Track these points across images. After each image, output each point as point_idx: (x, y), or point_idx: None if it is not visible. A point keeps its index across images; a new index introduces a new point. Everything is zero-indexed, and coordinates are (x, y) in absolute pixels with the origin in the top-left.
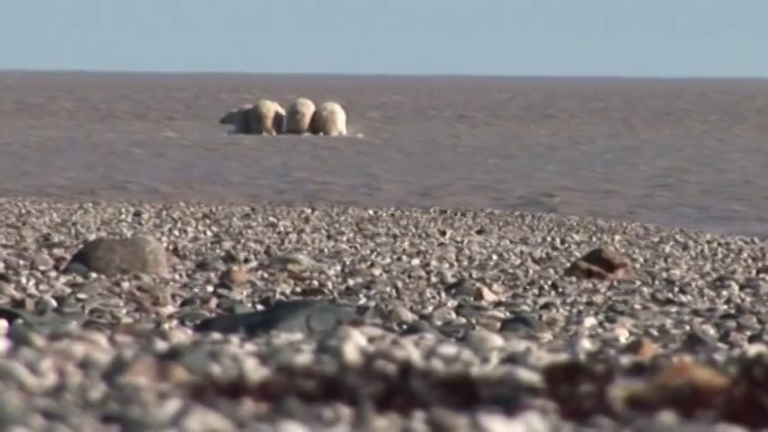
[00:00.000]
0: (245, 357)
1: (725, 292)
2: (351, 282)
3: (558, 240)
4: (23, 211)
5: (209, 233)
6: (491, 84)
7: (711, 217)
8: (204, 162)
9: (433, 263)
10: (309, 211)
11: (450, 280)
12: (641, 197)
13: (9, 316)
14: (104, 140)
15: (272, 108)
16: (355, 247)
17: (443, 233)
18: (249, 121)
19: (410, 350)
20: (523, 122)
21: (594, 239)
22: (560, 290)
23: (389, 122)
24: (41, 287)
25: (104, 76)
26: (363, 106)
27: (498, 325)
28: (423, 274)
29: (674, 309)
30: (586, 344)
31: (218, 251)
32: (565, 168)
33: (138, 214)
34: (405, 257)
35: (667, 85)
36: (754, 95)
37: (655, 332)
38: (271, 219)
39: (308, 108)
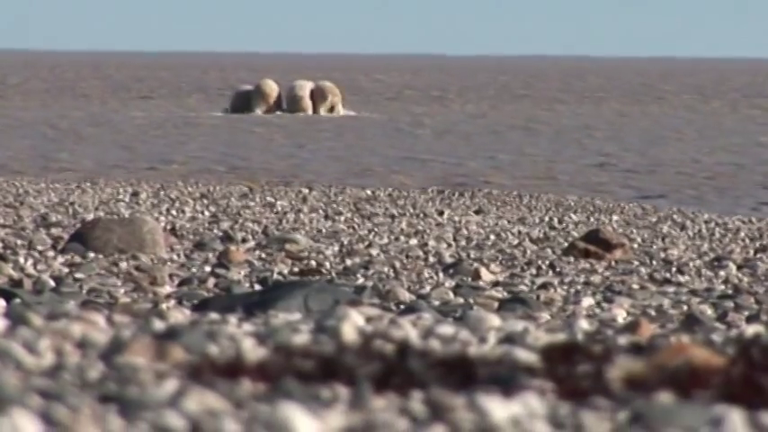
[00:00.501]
0: (242, 337)
1: (722, 272)
2: (348, 262)
3: (555, 220)
4: (21, 190)
5: (206, 213)
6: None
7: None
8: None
9: (431, 243)
10: (307, 191)
11: (448, 260)
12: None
13: (7, 296)
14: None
15: (274, 88)
16: (353, 228)
17: (441, 213)
18: (249, 101)
19: (408, 330)
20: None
21: (592, 219)
22: (558, 270)
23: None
24: (39, 267)
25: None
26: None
27: (496, 305)
28: (420, 254)
29: (671, 289)
30: (584, 324)
31: (215, 231)
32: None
33: (135, 194)
34: (402, 237)
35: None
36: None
37: (652, 312)
38: (269, 199)
39: (305, 89)
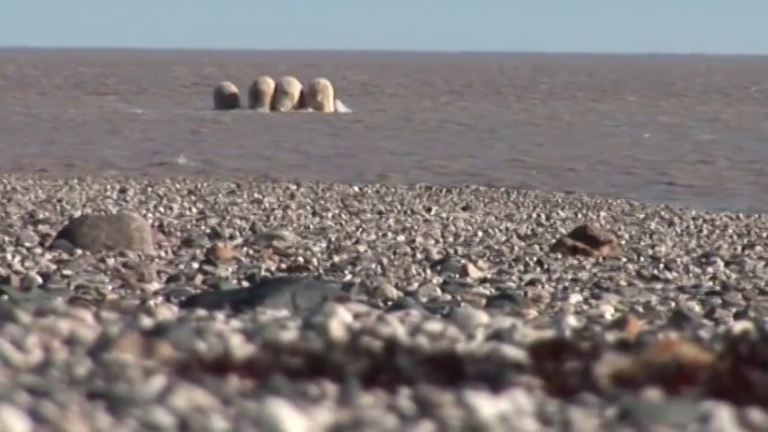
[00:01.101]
0: (230, 334)
1: (710, 269)
2: (336, 258)
3: (543, 217)
4: (8, 187)
5: (194, 210)
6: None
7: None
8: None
9: (419, 239)
10: (294, 187)
11: (436, 257)
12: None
13: None
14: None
15: (271, 85)
16: (341, 224)
17: (429, 210)
18: (237, 98)
19: (396, 327)
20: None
21: (580, 216)
22: (546, 266)
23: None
24: (27, 264)
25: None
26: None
27: (484, 302)
28: (408, 250)
29: (659, 285)
30: (572, 320)
31: (203, 228)
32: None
33: (123, 191)
34: (390, 234)
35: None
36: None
37: (640, 309)
38: (256, 195)
39: (295, 86)
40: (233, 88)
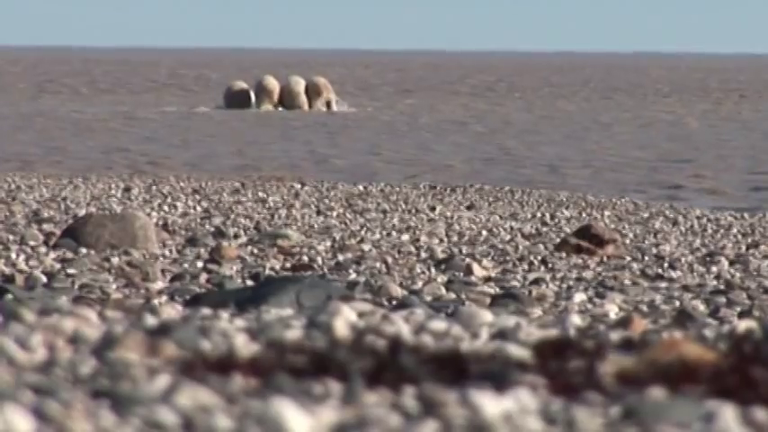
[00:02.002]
0: (234, 333)
1: (715, 268)
2: (341, 257)
3: (547, 216)
4: (13, 186)
5: (198, 208)
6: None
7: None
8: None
9: (423, 238)
10: (299, 186)
11: (440, 255)
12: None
13: None
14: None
15: (276, 84)
16: (345, 223)
17: (433, 209)
18: (248, 97)
19: (400, 326)
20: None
21: (584, 215)
22: (550, 265)
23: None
24: (31, 262)
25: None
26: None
27: (488, 300)
28: (412, 249)
29: (663, 284)
30: (576, 319)
31: (207, 226)
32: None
33: (127, 189)
34: (394, 233)
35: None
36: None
37: (644, 308)
38: (260, 194)
39: (300, 85)
40: (244, 86)
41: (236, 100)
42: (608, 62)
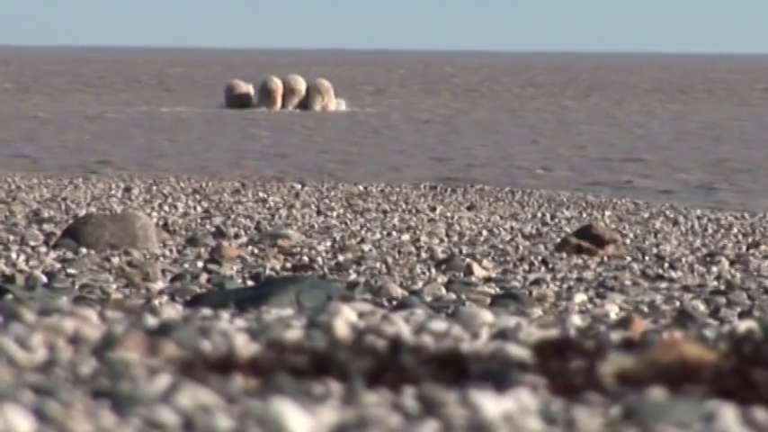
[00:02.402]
0: (235, 333)
1: (715, 268)
2: (341, 257)
3: (548, 216)
4: (13, 186)
5: (199, 209)
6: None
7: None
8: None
9: (423, 239)
10: (299, 186)
11: (441, 256)
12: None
13: None
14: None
15: (280, 84)
16: (345, 223)
17: (433, 209)
18: (248, 98)
19: (400, 326)
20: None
21: (585, 215)
22: (550, 266)
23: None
24: (31, 263)
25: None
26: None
27: (488, 301)
28: (413, 249)
29: (664, 285)
30: (576, 320)
31: (208, 227)
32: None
33: (128, 190)
34: (395, 233)
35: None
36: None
37: (645, 308)
38: (261, 194)
39: (300, 84)
40: (243, 87)
41: (238, 100)
42: (602, 62)
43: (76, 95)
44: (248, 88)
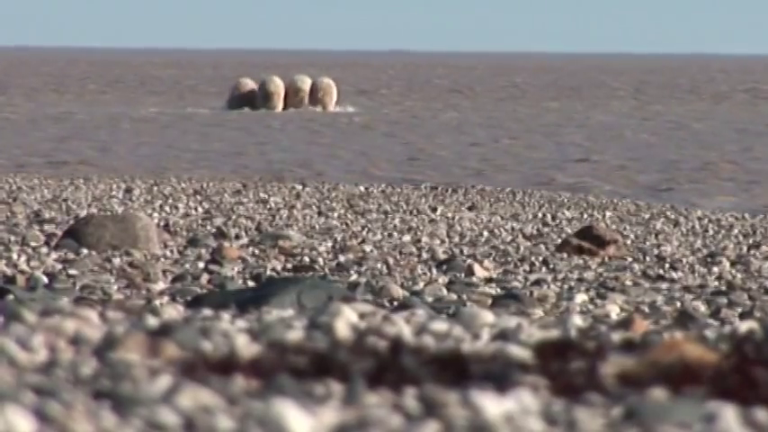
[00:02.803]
0: (236, 334)
1: (716, 269)
2: (342, 258)
3: (549, 217)
4: (14, 187)
5: (200, 209)
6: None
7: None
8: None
9: (424, 239)
10: (300, 187)
11: (442, 256)
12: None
13: (0, 292)
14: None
15: (280, 85)
16: (346, 224)
17: (434, 210)
18: (254, 98)
19: (401, 326)
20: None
21: (585, 216)
22: (551, 266)
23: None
24: (32, 263)
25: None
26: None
27: (489, 301)
28: (414, 250)
29: (665, 285)
30: (577, 320)
31: (209, 227)
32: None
33: (129, 190)
34: (396, 234)
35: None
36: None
37: (646, 309)
38: (262, 195)
39: (306, 84)
40: (249, 86)
41: (243, 100)
42: (598, 63)
43: (52, 96)
44: (255, 87)
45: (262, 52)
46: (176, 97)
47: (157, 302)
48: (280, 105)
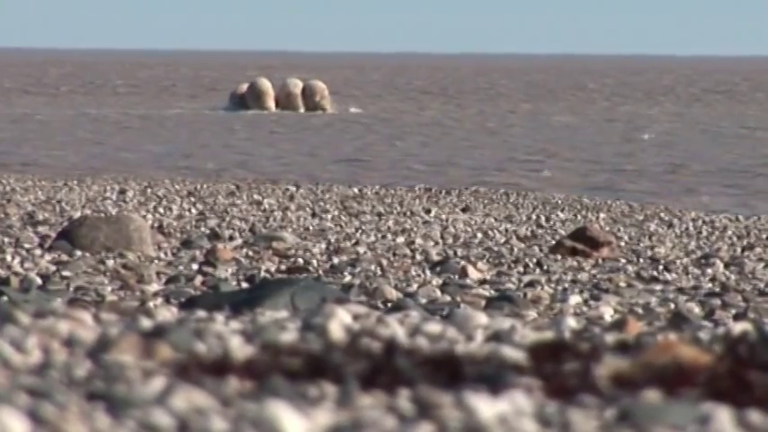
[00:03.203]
0: (230, 335)
1: (710, 270)
2: (335, 260)
3: (542, 218)
4: (8, 188)
5: (193, 211)
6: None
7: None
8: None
9: (418, 241)
10: (294, 188)
11: (435, 258)
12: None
13: None
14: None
15: (269, 86)
16: (340, 225)
17: (428, 211)
18: (246, 99)
19: (395, 328)
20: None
21: (579, 217)
22: (545, 268)
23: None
24: (26, 265)
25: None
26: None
27: (483, 303)
28: (408, 252)
29: (658, 287)
30: (571, 322)
31: (202, 229)
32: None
33: (122, 192)
34: (389, 235)
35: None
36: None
37: (639, 310)
38: (255, 197)
39: (298, 86)
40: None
41: (241, 101)
42: (576, 65)
43: (26, 98)
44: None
45: (231, 54)
46: (153, 98)
47: (151, 304)
48: (268, 106)
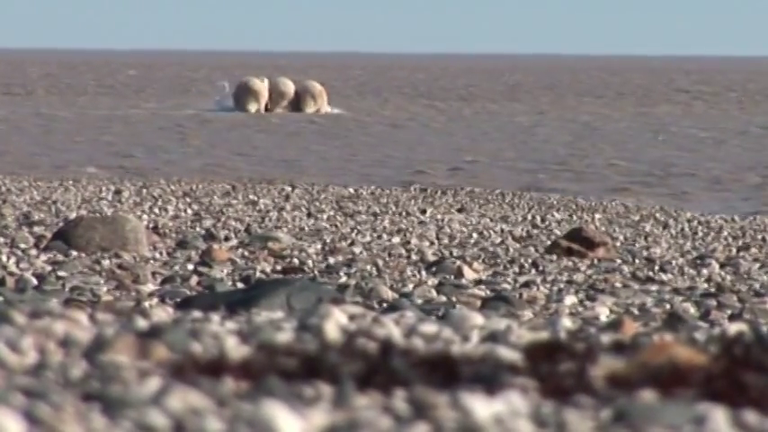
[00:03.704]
0: (225, 335)
1: (705, 271)
2: (331, 260)
3: (538, 219)
4: (3, 189)
5: (189, 211)
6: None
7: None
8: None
9: (414, 241)
10: (290, 188)
11: (431, 258)
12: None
13: None
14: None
15: (261, 85)
16: (336, 226)
17: (424, 211)
18: (237, 98)
19: (391, 328)
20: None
21: (575, 218)
22: (541, 268)
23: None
24: (22, 265)
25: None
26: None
27: (479, 303)
28: (403, 252)
29: (654, 287)
30: (567, 322)
31: (198, 229)
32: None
33: (118, 192)
34: (385, 236)
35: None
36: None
37: (635, 310)
38: (251, 197)
39: (289, 86)
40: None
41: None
42: (584, 64)
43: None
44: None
45: (219, 54)
46: (134, 97)
47: (147, 304)
48: (257, 106)
